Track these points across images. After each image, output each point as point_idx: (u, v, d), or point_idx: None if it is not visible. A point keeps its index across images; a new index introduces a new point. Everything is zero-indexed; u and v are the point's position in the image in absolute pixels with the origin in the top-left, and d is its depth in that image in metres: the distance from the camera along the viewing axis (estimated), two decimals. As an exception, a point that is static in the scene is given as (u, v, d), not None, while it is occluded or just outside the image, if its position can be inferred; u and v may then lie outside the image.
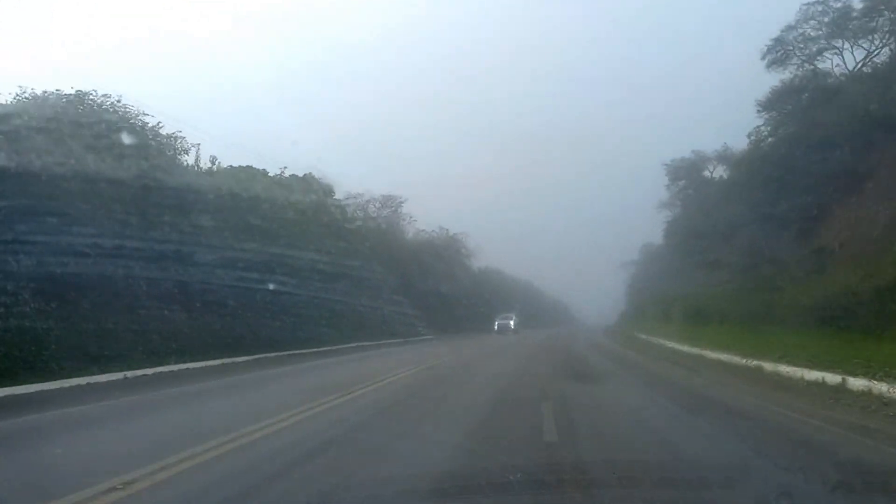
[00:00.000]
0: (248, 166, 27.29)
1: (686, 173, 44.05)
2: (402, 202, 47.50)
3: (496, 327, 49.74)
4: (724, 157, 42.00)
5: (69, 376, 12.76)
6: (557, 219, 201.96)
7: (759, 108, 28.73)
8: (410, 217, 48.05)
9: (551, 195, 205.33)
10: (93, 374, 13.20)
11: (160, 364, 15.31)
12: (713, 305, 32.74)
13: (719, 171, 43.96)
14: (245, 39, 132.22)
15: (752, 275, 26.95)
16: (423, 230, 51.39)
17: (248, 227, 22.19)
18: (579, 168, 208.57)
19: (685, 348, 26.26)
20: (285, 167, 29.38)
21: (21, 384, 11.85)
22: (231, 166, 26.42)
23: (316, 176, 31.96)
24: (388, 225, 43.92)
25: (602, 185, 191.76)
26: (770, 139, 28.07)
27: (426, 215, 62.18)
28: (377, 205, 44.88)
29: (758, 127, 28.55)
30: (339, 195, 35.17)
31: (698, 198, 43.12)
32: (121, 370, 13.98)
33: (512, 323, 50.85)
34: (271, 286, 21.95)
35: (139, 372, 14.39)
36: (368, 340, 28.98)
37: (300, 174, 30.75)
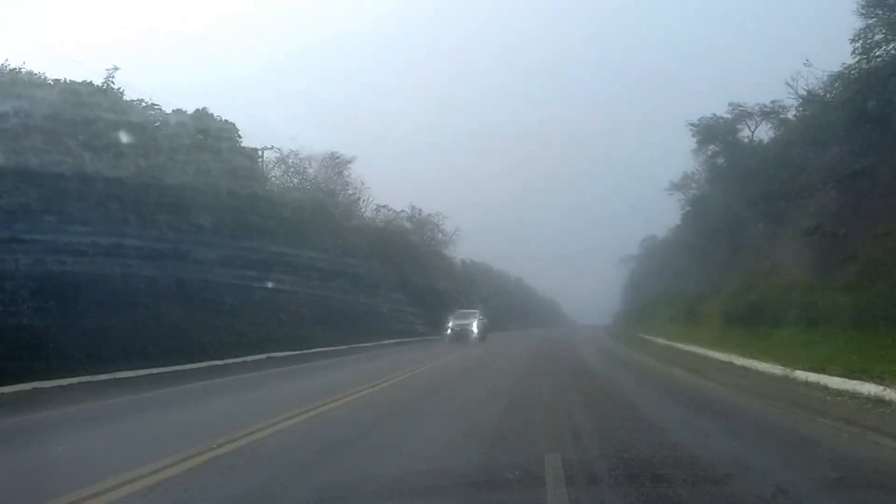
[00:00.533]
0: (86, 82, 16.91)
1: (718, 133, 33.91)
2: (348, 162, 36.41)
3: (448, 331, 33.17)
4: (771, 111, 31.90)
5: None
6: (550, 214, 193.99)
7: (863, 5, 18.56)
8: (362, 184, 37.07)
9: (543, 190, 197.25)
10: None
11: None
12: (781, 302, 22.55)
13: (762, 132, 33.75)
14: (238, 34, 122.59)
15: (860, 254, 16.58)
16: (385, 206, 40.86)
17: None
18: (573, 160, 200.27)
19: (794, 373, 15.83)
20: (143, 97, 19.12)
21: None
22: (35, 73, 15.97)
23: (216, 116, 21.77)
24: (330, 192, 33.19)
25: (597, 177, 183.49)
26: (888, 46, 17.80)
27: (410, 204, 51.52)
28: (314, 164, 34.09)
29: (865, 27, 18.29)
30: (259, 146, 25.18)
31: (736, 165, 32.95)
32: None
33: (474, 326, 33.72)
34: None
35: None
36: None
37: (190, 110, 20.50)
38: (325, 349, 23.58)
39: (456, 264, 57.32)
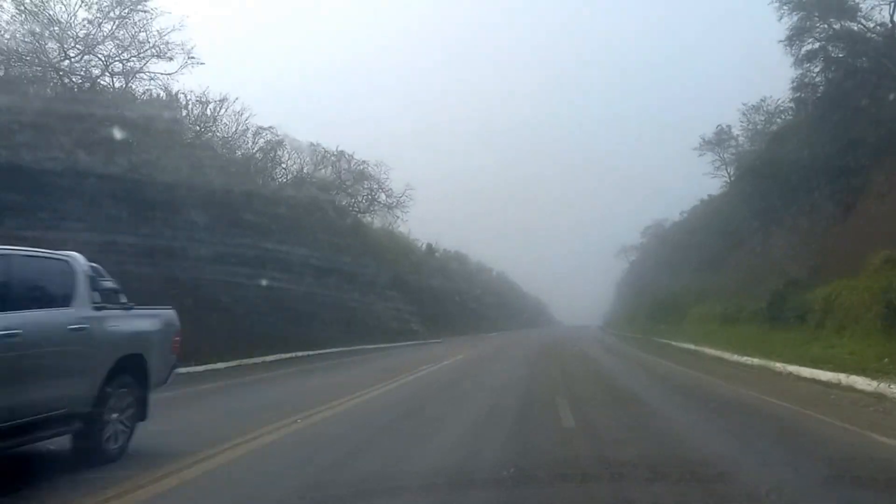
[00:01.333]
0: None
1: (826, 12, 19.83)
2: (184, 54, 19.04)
3: None
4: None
5: None
6: (535, 206, 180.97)
7: None
8: (189, 60, 19.72)
9: (530, 182, 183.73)
10: None
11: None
12: None
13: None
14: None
15: None
16: (271, 128, 24.66)
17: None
18: (563, 148, 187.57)
19: None
20: None
21: None
22: None
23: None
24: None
25: (589, 165, 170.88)
26: None
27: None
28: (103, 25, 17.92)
29: None
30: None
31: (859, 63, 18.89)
32: None
33: None
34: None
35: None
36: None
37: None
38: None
39: (417, 250, 43.03)
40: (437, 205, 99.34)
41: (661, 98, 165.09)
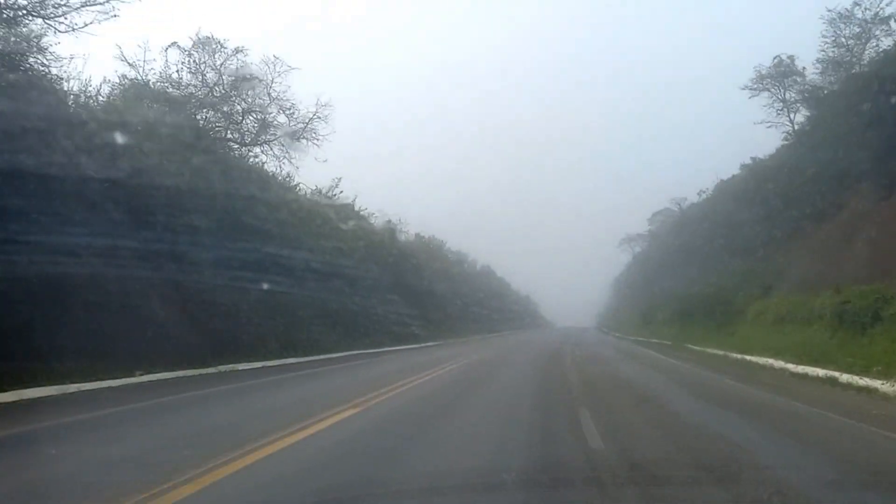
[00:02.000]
0: None
1: None
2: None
3: None
4: None
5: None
6: (524, 199, 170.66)
7: None
8: None
9: (517, 169, 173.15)
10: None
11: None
12: None
13: None
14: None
15: None
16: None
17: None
18: (558, 135, 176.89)
19: None
20: None
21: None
22: None
23: None
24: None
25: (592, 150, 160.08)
26: None
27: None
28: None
29: None
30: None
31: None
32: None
33: None
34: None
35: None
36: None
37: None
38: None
39: (362, 217, 31.32)
40: (404, 183, 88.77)
41: (663, 86, 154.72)
